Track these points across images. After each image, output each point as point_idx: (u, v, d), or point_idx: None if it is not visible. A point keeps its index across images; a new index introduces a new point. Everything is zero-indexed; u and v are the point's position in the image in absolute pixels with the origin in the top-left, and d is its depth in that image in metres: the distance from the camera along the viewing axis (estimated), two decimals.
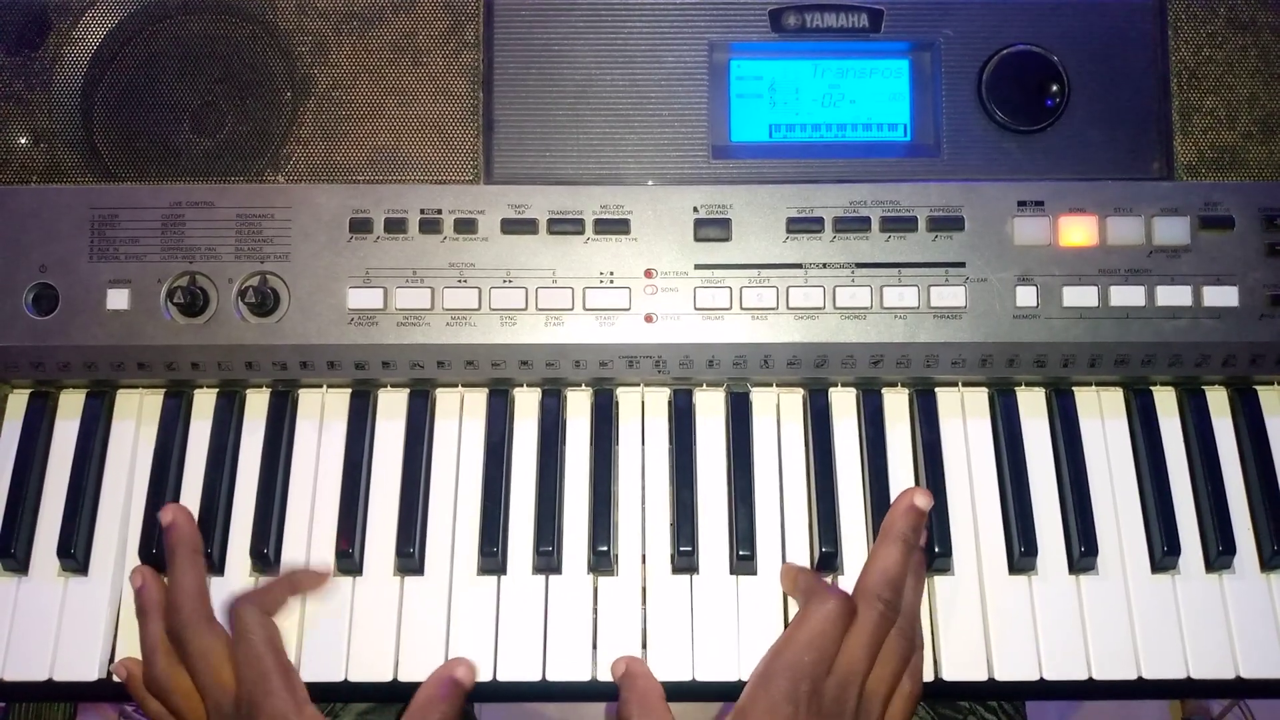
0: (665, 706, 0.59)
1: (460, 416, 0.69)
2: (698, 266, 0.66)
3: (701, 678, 0.63)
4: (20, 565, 0.65)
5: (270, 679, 0.57)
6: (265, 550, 0.65)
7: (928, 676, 0.62)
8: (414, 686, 0.61)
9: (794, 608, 0.64)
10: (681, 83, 0.69)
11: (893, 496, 0.66)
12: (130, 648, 0.63)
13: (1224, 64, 0.69)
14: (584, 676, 0.63)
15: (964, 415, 0.69)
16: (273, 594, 0.62)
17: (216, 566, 0.65)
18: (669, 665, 0.63)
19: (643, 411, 0.69)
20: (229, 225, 0.66)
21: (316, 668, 0.63)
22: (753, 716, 0.56)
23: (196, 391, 0.69)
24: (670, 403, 0.69)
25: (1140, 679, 0.63)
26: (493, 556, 0.64)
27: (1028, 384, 0.69)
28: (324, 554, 0.65)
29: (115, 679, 0.63)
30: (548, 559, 0.64)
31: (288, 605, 0.63)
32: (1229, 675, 0.63)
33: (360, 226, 0.66)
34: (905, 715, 0.60)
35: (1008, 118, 0.69)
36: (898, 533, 0.61)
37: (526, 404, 0.69)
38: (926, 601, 0.64)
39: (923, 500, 0.62)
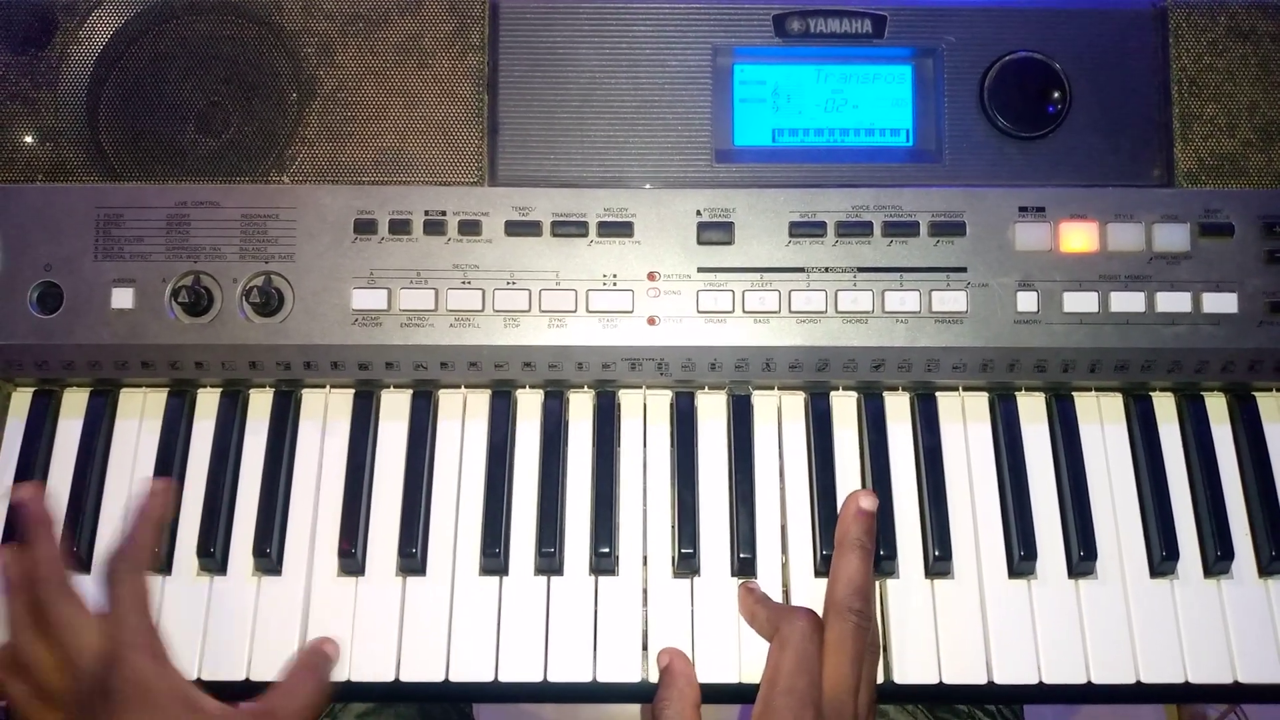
0: (698, 713, 0.60)
1: (463, 417, 0.69)
2: (700, 270, 0.67)
3: (702, 679, 0.63)
4: None
5: (130, 636, 0.56)
6: (268, 550, 0.65)
7: (929, 679, 0.63)
8: (416, 687, 0.62)
9: (796, 605, 0.64)
10: (685, 87, 0.69)
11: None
12: None
13: (1224, 72, 0.69)
14: (585, 678, 0.63)
15: (965, 420, 0.69)
16: (137, 539, 0.60)
17: (219, 566, 0.65)
18: None
19: (645, 414, 0.69)
20: (234, 225, 0.66)
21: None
22: None
23: (200, 391, 0.69)
24: (672, 405, 0.69)
25: (1138, 683, 0.63)
26: (495, 557, 0.65)
27: (1028, 389, 0.70)
28: (326, 554, 0.65)
29: None
30: (549, 560, 0.65)
31: (153, 545, 0.62)
32: (1226, 680, 0.63)
33: (365, 227, 0.66)
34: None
35: (1009, 124, 0.69)
36: (853, 540, 0.62)
37: (529, 405, 0.69)
38: (929, 604, 0.64)
39: (868, 502, 0.63)
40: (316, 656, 0.61)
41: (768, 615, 0.62)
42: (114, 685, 0.55)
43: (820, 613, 0.60)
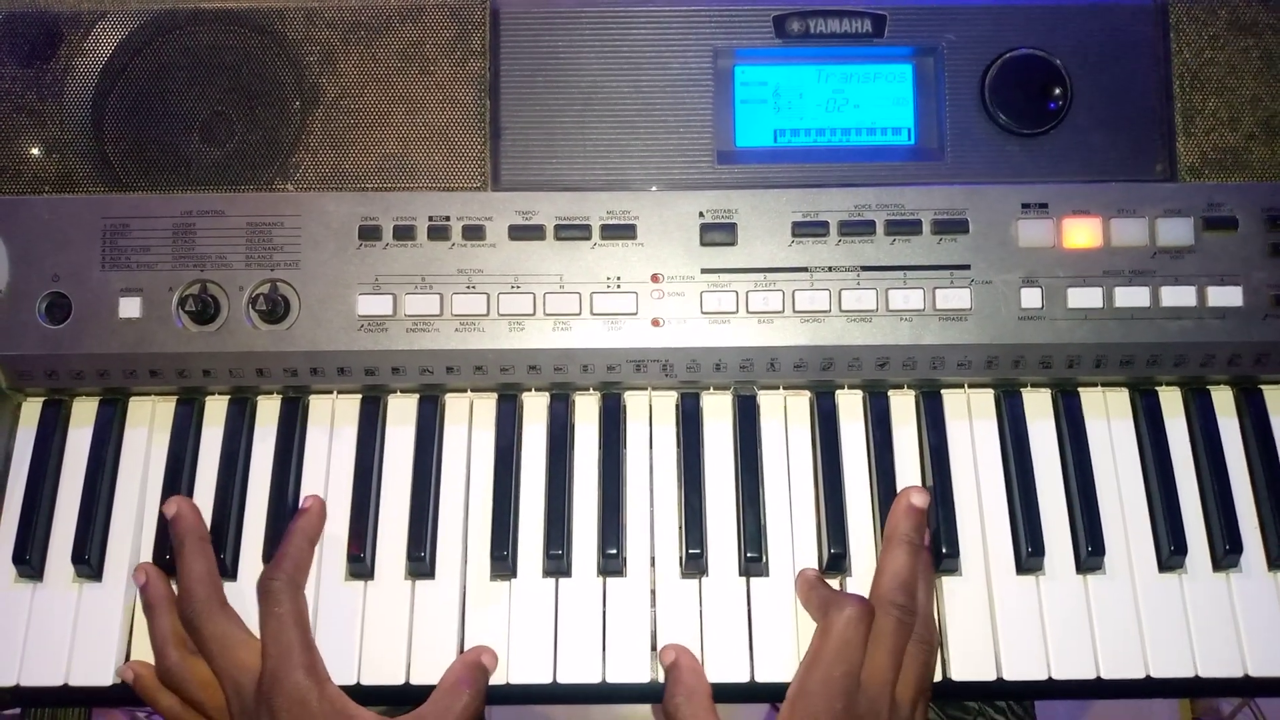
0: (711, 704, 0.60)
1: (470, 421, 0.69)
2: (704, 271, 0.67)
3: (712, 679, 0.63)
4: (35, 572, 0.66)
5: (293, 655, 0.57)
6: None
7: (936, 677, 0.63)
8: (426, 690, 0.62)
9: (804, 610, 0.64)
10: (686, 89, 0.69)
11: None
12: (144, 653, 0.64)
13: (1226, 66, 0.69)
14: (594, 679, 0.63)
15: (970, 417, 0.69)
16: (294, 555, 0.62)
17: (229, 572, 0.66)
18: None
19: (650, 415, 0.70)
20: (239, 233, 0.67)
21: (329, 671, 0.63)
22: None
23: (208, 398, 0.70)
24: (678, 406, 0.69)
25: (1148, 678, 0.63)
26: (503, 560, 0.65)
27: (1033, 385, 0.70)
28: (335, 558, 0.66)
29: (122, 682, 0.63)
30: (557, 562, 0.65)
31: (310, 559, 0.63)
32: (1237, 674, 0.63)
33: (369, 234, 0.67)
34: (925, 716, 0.60)
35: (1011, 121, 0.69)
36: (902, 535, 0.62)
37: (535, 408, 0.69)
38: (937, 601, 0.64)
39: (919, 499, 0.63)
40: (473, 668, 0.61)
41: (819, 600, 0.62)
42: (276, 704, 0.56)
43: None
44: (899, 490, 0.66)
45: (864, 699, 0.57)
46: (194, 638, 0.60)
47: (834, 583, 0.65)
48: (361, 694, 0.62)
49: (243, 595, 0.64)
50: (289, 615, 0.59)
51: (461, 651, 0.63)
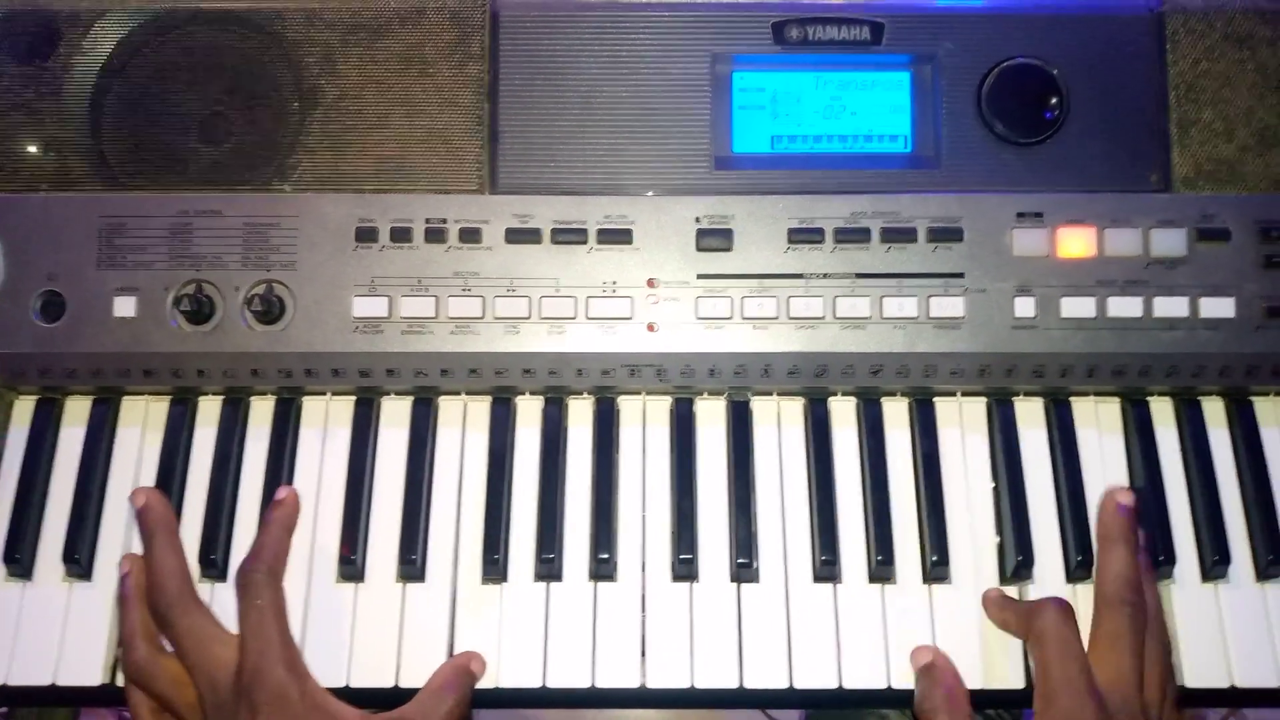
0: (970, 711, 0.59)
1: (463, 424, 0.69)
2: (699, 276, 0.67)
3: (700, 685, 0.63)
4: (25, 571, 0.66)
5: (274, 649, 0.56)
6: None
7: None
8: (415, 693, 0.62)
9: (795, 614, 0.64)
10: (684, 94, 0.69)
11: (892, 505, 0.67)
12: None
13: (1221, 78, 0.69)
14: (584, 683, 0.63)
15: (962, 425, 0.69)
16: (272, 546, 0.61)
17: (220, 573, 0.65)
18: (668, 672, 0.63)
19: (644, 420, 0.70)
20: (236, 234, 0.67)
21: (318, 673, 0.63)
22: None
23: (202, 399, 0.70)
24: (671, 411, 0.70)
25: None
26: (495, 564, 0.65)
27: (1026, 394, 0.70)
28: (327, 560, 0.66)
29: (110, 682, 0.63)
30: (549, 566, 0.65)
31: (288, 550, 0.63)
32: (1223, 684, 0.64)
33: (366, 236, 0.67)
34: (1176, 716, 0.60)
35: (1007, 130, 0.69)
36: (1117, 535, 0.62)
37: (529, 412, 0.70)
38: (926, 609, 0.64)
39: (1126, 499, 0.63)
40: (460, 673, 0.61)
41: (1017, 617, 0.61)
42: (257, 699, 0.55)
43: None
44: (892, 498, 0.66)
45: (1114, 701, 0.56)
46: (166, 633, 0.59)
47: (825, 590, 0.65)
48: (351, 696, 0.62)
49: (230, 595, 0.64)
50: (269, 608, 0.58)
51: (450, 654, 0.63)
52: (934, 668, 0.60)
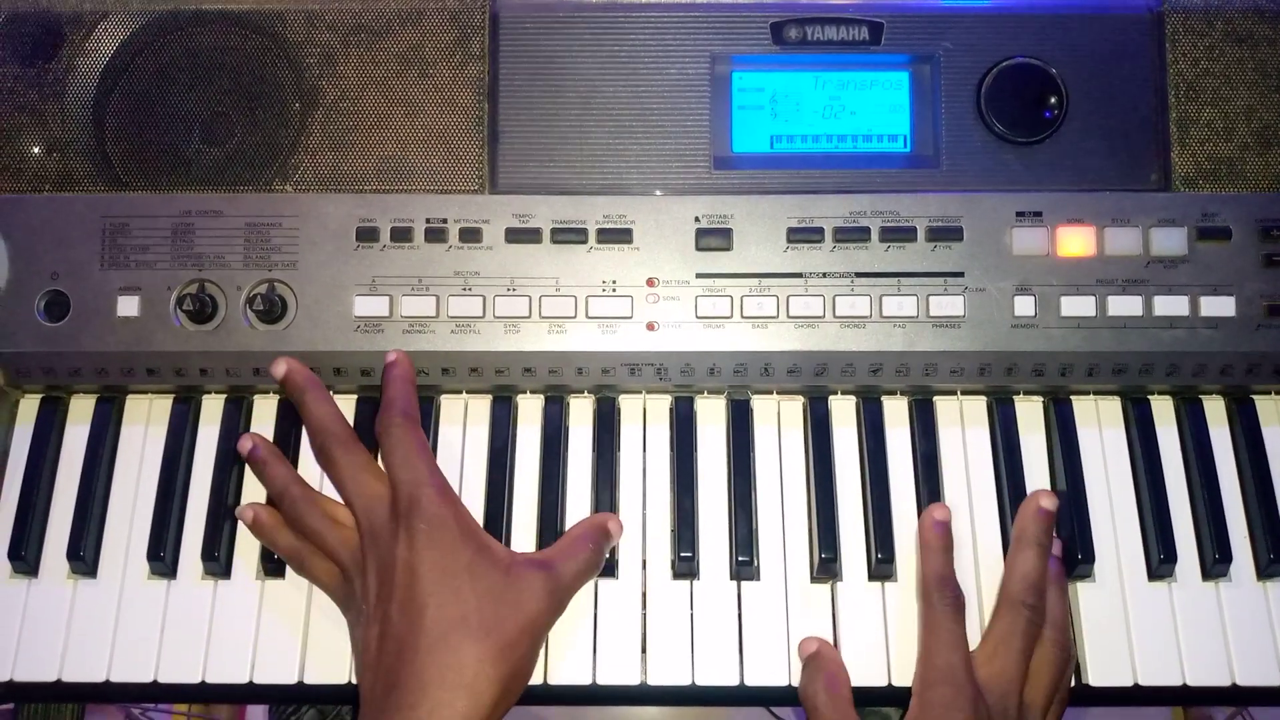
0: (851, 699, 0.60)
1: (464, 423, 0.70)
2: (699, 275, 0.67)
3: (701, 682, 0.63)
4: (30, 568, 0.66)
5: (426, 478, 0.60)
6: (274, 554, 0.65)
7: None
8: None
9: (795, 611, 0.65)
10: (684, 94, 0.70)
11: (893, 504, 0.67)
12: (132, 649, 0.64)
13: (1221, 77, 0.69)
14: (585, 680, 0.63)
15: (963, 424, 0.69)
16: (402, 398, 0.63)
17: (223, 570, 0.66)
18: (668, 669, 0.64)
19: (644, 418, 0.70)
20: (238, 234, 0.67)
21: (324, 671, 0.64)
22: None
23: (205, 397, 0.70)
24: (672, 410, 0.70)
25: (1136, 686, 0.63)
26: None
27: (1026, 393, 0.70)
28: None
29: (240, 522, 0.65)
30: None
31: (417, 402, 0.65)
32: (1225, 683, 0.63)
33: (367, 235, 0.67)
34: None
35: (1006, 129, 0.69)
36: (1030, 537, 0.63)
37: (530, 411, 0.70)
38: (915, 608, 0.64)
39: (1049, 502, 0.63)
40: (598, 528, 0.63)
41: (928, 569, 0.63)
42: (415, 525, 0.58)
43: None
44: (892, 496, 0.67)
45: (994, 694, 0.58)
46: (329, 469, 0.63)
47: (824, 588, 0.66)
48: (352, 691, 0.63)
49: (234, 591, 0.65)
50: (414, 445, 0.61)
51: None
52: (818, 656, 0.62)
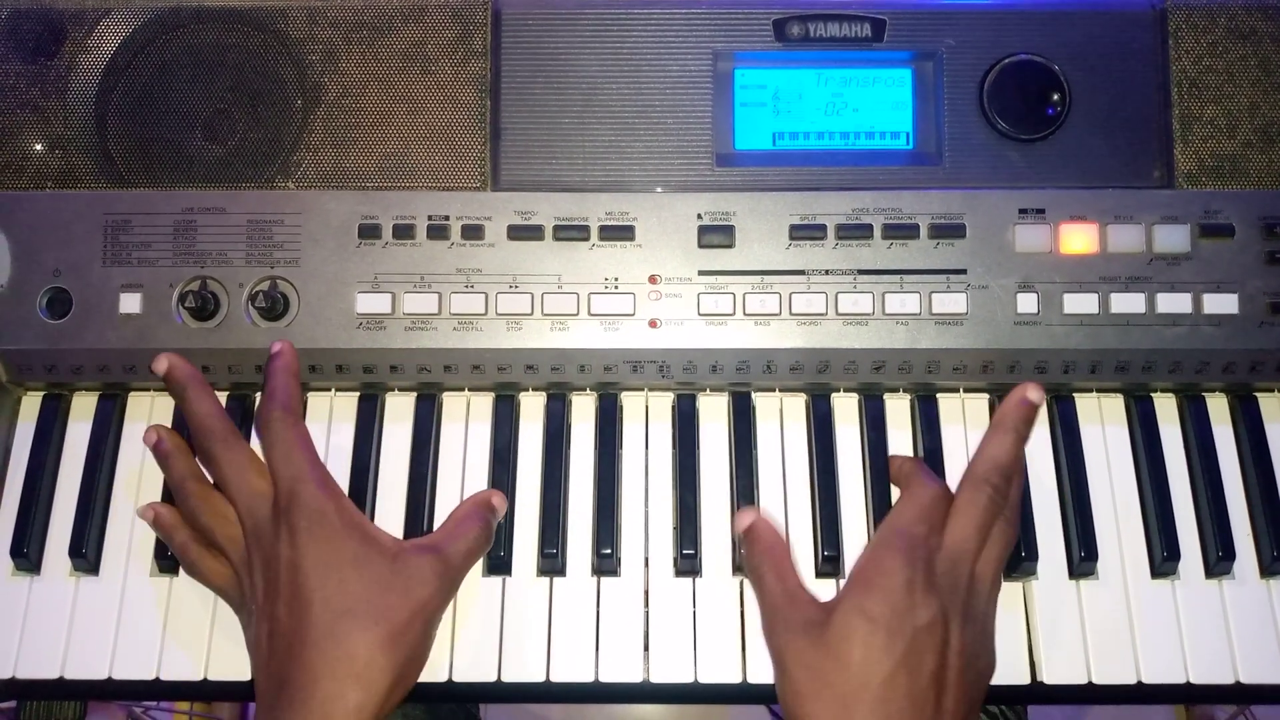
0: (792, 560, 0.60)
1: (466, 420, 0.70)
2: (701, 273, 0.67)
3: (704, 679, 0.63)
4: (32, 565, 0.66)
5: (305, 472, 0.59)
6: None
7: None
8: (420, 687, 0.62)
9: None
10: (686, 91, 0.70)
11: (894, 501, 0.67)
12: (134, 647, 0.64)
13: (1224, 73, 0.69)
14: (587, 678, 0.63)
15: (965, 421, 0.69)
16: (284, 391, 0.62)
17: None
18: (671, 667, 0.64)
19: (647, 415, 0.70)
20: (240, 231, 0.67)
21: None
22: (874, 577, 0.57)
23: None
24: (674, 407, 0.70)
25: (1140, 684, 0.63)
26: (497, 559, 0.65)
27: None
28: None
29: (142, 521, 0.64)
30: (552, 561, 0.65)
31: (299, 396, 0.64)
32: (1228, 681, 0.63)
33: (369, 232, 0.67)
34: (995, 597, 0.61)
35: (1009, 126, 0.69)
36: (1009, 423, 0.62)
37: (532, 408, 0.70)
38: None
39: (1035, 394, 0.63)
40: (482, 506, 0.63)
41: (908, 470, 0.63)
42: (295, 521, 0.57)
43: None
44: (895, 494, 0.67)
45: (944, 560, 0.58)
46: (211, 468, 0.62)
47: (828, 584, 0.66)
48: None
49: None
50: (293, 439, 0.60)
51: (452, 650, 0.64)
52: (753, 529, 0.61)
